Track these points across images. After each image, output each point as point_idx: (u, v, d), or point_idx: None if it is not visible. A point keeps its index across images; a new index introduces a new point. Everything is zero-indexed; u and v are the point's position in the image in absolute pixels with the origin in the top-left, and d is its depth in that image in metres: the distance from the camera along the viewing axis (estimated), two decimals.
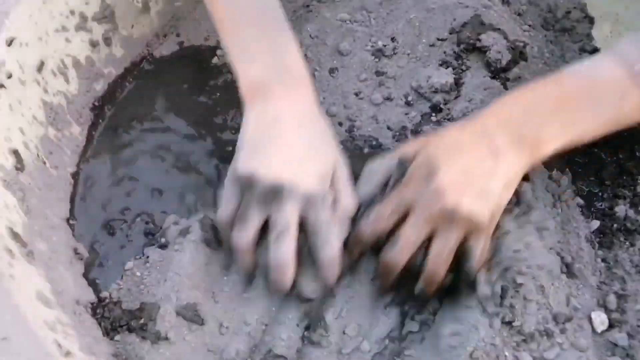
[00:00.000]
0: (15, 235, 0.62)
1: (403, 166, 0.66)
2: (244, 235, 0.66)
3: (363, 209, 0.67)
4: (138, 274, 0.70)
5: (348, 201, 0.67)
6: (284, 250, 0.64)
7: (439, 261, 0.63)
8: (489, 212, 0.63)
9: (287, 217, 0.64)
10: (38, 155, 0.71)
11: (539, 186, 0.72)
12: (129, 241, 0.74)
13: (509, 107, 0.66)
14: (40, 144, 0.72)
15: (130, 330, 0.66)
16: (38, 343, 0.53)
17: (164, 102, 0.86)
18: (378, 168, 0.69)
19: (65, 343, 0.56)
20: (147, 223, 0.76)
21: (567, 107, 0.65)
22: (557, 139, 0.65)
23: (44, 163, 0.72)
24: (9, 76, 0.68)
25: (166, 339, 0.66)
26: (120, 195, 0.78)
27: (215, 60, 0.89)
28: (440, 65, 0.83)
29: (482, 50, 0.82)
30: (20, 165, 0.68)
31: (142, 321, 0.66)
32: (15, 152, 0.68)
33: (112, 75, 0.84)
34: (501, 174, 0.63)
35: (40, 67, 0.73)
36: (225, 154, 0.80)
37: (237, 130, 0.72)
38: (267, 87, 0.69)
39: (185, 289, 0.69)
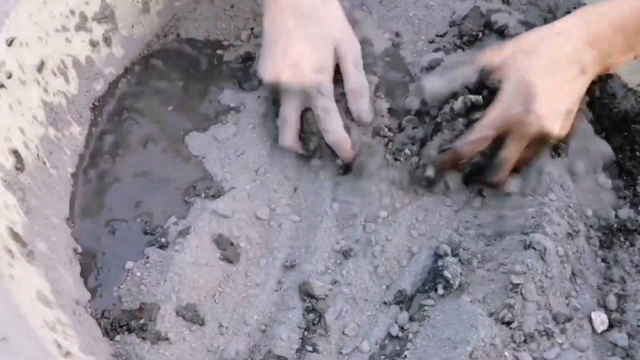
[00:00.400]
0: (15, 235, 0.62)
1: (486, 74, 0.70)
2: (284, 128, 0.76)
3: (436, 105, 0.73)
4: (138, 274, 0.70)
5: (354, 85, 0.74)
6: (285, 139, 0.75)
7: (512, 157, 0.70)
8: (565, 127, 0.69)
9: (286, 111, 0.74)
10: (38, 155, 0.71)
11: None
12: (129, 241, 0.74)
13: (597, 23, 0.68)
14: (40, 144, 0.72)
15: (130, 330, 0.66)
16: (38, 343, 0.53)
17: (164, 102, 0.86)
18: (456, 71, 0.73)
19: (65, 343, 0.56)
20: (147, 223, 0.75)
21: None
22: (626, 57, 0.70)
23: (44, 163, 0.72)
24: (9, 76, 0.68)
25: (166, 339, 0.66)
26: (121, 195, 0.78)
27: (215, 60, 0.89)
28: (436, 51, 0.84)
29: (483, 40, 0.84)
30: (20, 165, 0.68)
31: (142, 321, 0.66)
32: (16, 152, 0.68)
33: (113, 75, 0.84)
34: (583, 88, 0.69)
35: (41, 67, 0.73)
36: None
37: None
38: None
39: (185, 289, 0.69)
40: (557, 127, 0.68)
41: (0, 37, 0.68)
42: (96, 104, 0.82)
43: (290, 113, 0.74)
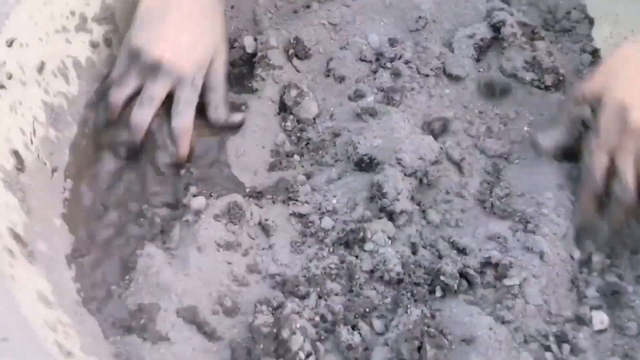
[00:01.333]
0: (16, 236, 0.62)
1: (593, 105, 0.72)
2: (119, 92, 0.75)
3: (554, 152, 0.76)
4: (139, 274, 0.70)
5: (216, 98, 0.79)
6: (143, 113, 0.75)
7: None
8: None
9: (157, 89, 0.75)
10: (38, 156, 0.71)
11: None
12: (129, 241, 0.74)
13: None
14: (40, 145, 0.72)
15: (130, 330, 0.66)
16: (39, 343, 0.53)
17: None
18: (565, 116, 0.75)
19: (66, 343, 0.56)
20: (148, 224, 0.75)
21: None
22: None
23: (45, 164, 0.72)
24: (10, 77, 0.68)
25: (167, 339, 0.66)
26: (122, 196, 0.78)
27: None
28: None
29: None
30: (20, 166, 0.68)
31: (142, 321, 0.66)
32: (16, 153, 0.68)
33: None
34: None
35: (41, 68, 0.73)
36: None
37: None
38: None
39: (186, 289, 0.69)
40: None
41: (1, 38, 0.68)
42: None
43: (160, 93, 0.75)
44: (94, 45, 0.81)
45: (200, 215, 0.73)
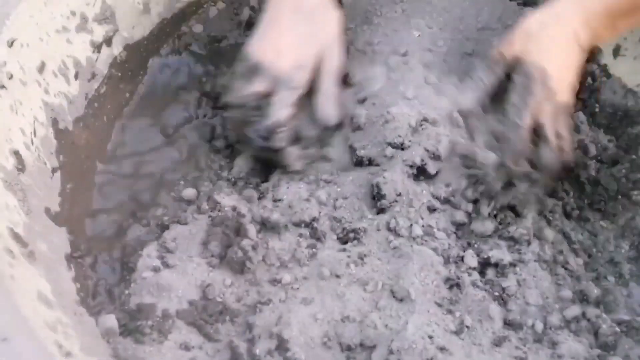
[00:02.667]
0: (16, 236, 0.62)
1: (509, 67, 0.75)
2: (233, 94, 0.78)
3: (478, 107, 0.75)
4: (138, 274, 0.70)
5: (323, 92, 0.78)
6: (233, 112, 0.78)
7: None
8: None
9: (255, 88, 0.77)
10: (39, 156, 0.71)
11: None
12: (129, 242, 0.74)
13: (591, 4, 0.75)
14: (41, 145, 0.72)
15: (130, 331, 0.66)
16: (39, 344, 0.53)
17: (165, 103, 0.87)
18: (479, 79, 0.76)
19: (65, 344, 0.56)
20: (147, 224, 0.76)
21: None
22: (610, 35, 0.79)
23: (45, 164, 0.72)
24: (10, 77, 0.68)
25: (166, 340, 0.66)
26: (122, 196, 0.78)
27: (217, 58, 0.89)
28: None
29: None
30: (21, 166, 0.68)
31: (141, 322, 0.66)
32: (16, 153, 0.68)
33: (114, 76, 0.84)
34: (580, 64, 0.76)
35: (41, 68, 0.73)
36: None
37: None
38: None
39: (186, 289, 0.69)
40: (569, 97, 0.75)
41: (1, 38, 0.68)
42: (97, 105, 0.82)
43: (253, 92, 0.77)
44: (94, 45, 0.81)
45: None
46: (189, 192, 0.77)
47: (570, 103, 0.76)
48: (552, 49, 0.74)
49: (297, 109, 0.77)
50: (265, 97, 0.76)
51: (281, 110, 0.76)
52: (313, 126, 0.78)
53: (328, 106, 0.78)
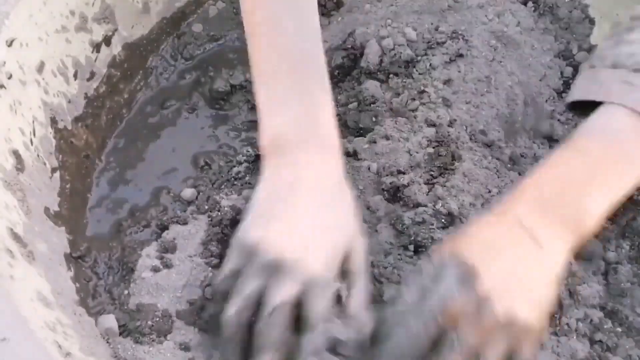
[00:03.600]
0: (15, 236, 0.62)
1: (432, 276, 0.59)
2: (235, 306, 0.58)
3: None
4: (139, 274, 0.70)
5: (359, 297, 0.60)
6: (273, 325, 0.57)
7: None
8: (544, 316, 0.58)
9: (283, 296, 0.57)
10: (38, 155, 0.71)
11: None
12: (128, 242, 0.74)
13: (536, 189, 0.62)
14: (40, 145, 0.72)
15: (129, 331, 0.66)
16: (38, 344, 0.53)
17: (164, 103, 0.87)
18: (411, 289, 0.59)
19: (65, 344, 0.56)
20: (147, 224, 0.75)
21: (600, 173, 0.62)
22: (600, 207, 0.61)
23: (45, 164, 0.72)
24: (9, 77, 0.68)
25: (166, 340, 0.66)
26: (121, 196, 0.78)
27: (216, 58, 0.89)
28: None
29: None
30: (20, 166, 0.68)
31: (141, 322, 0.66)
32: (16, 153, 0.68)
33: (113, 76, 0.84)
34: (549, 266, 0.59)
35: (41, 68, 0.73)
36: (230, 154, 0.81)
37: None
38: (289, 144, 0.63)
39: (186, 289, 0.69)
40: (519, 313, 0.56)
41: (1, 37, 0.68)
42: (96, 104, 0.82)
43: (288, 299, 0.58)
44: (93, 44, 0.81)
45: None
46: (189, 192, 0.77)
47: (521, 314, 0.57)
48: (495, 250, 0.59)
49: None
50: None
51: (327, 323, 0.58)
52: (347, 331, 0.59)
53: (363, 313, 0.60)
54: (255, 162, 0.79)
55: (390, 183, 0.72)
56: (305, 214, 0.61)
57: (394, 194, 0.73)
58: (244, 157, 0.80)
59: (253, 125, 0.82)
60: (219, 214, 0.73)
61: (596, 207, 0.61)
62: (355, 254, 0.62)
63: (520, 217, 0.59)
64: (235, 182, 0.79)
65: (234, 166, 0.80)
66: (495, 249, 0.58)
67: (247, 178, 0.79)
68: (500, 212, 0.62)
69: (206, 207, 0.75)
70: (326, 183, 0.63)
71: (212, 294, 0.66)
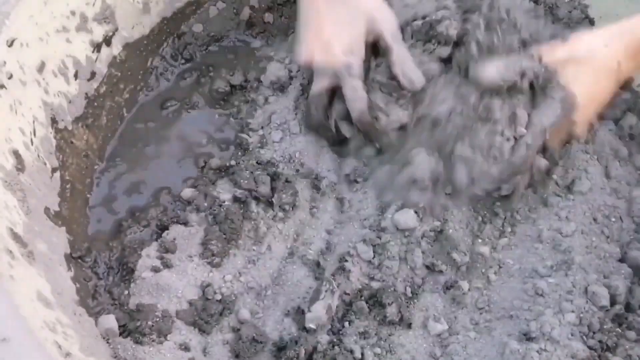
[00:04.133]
0: (15, 236, 0.62)
1: (545, 72, 0.74)
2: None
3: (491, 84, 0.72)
4: (139, 274, 0.70)
5: (396, 57, 0.75)
6: (313, 117, 0.79)
7: None
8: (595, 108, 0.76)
9: (315, 90, 0.78)
10: (38, 155, 0.71)
11: None
12: (129, 242, 0.74)
13: (637, 38, 0.75)
14: (40, 145, 0.72)
15: (129, 331, 0.66)
16: (38, 344, 0.53)
17: (165, 103, 0.87)
18: (515, 62, 0.74)
19: (65, 344, 0.56)
20: (147, 224, 0.75)
21: None
22: None
23: (45, 164, 0.72)
24: (10, 77, 0.68)
25: (166, 340, 0.66)
26: (121, 196, 0.78)
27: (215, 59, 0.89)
28: None
29: None
30: (20, 166, 0.68)
31: (141, 322, 0.66)
32: (16, 153, 0.68)
33: (113, 76, 0.84)
34: (612, 94, 0.77)
35: (41, 68, 0.73)
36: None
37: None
38: None
39: (186, 289, 0.69)
40: (584, 130, 0.76)
41: (1, 37, 0.68)
42: (96, 104, 0.82)
43: (319, 91, 0.78)
44: (94, 45, 0.80)
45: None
46: (189, 192, 0.77)
47: (583, 135, 0.77)
48: (589, 80, 0.74)
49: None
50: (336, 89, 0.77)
51: (356, 102, 0.76)
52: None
53: (410, 69, 0.75)
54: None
55: None
56: (325, 19, 0.77)
57: None
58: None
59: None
60: (221, 209, 0.73)
61: None
62: (380, 24, 0.76)
63: (620, 60, 0.74)
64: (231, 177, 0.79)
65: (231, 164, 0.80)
66: (595, 80, 0.75)
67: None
68: (607, 45, 0.74)
69: (205, 204, 0.75)
70: None
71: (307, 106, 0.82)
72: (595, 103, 0.76)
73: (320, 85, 0.78)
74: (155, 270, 0.70)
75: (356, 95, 0.75)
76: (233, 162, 0.79)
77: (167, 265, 0.70)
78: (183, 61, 0.90)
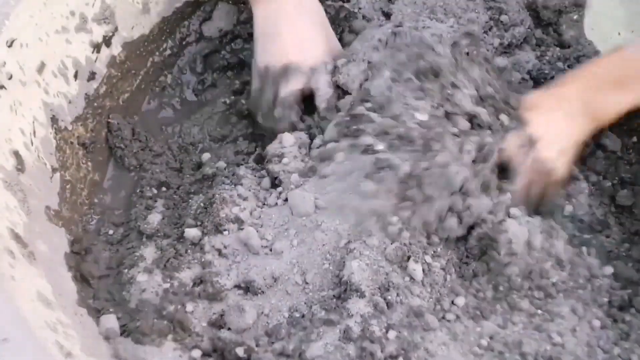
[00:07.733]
0: (16, 236, 0.62)
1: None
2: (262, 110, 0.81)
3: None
4: (138, 275, 0.70)
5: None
6: (284, 113, 0.79)
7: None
8: (567, 168, 0.74)
9: (292, 87, 0.79)
10: (38, 156, 0.71)
11: None
12: (128, 243, 0.74)
13: (585, 79, 0.75)
14: (41, 145, 0.72)
15: (130, 330, 0.66)
16: (39, 344, 0.53)
17: (164, 102, 0.87)
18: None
19: (66, 344, 0.56)
20: (146, 224, 0.76)
21: (630, 80, 0.73)
22: (619, 108, 0.74)
23: (45, 164, 0.72)
24: (10, 77, 0.68)
25: (166, 339, 0.66)
26: (121, 196, 0.78)
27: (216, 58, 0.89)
28: None
29: None
30: (21, 166, 0.68)
31: (142, 322, 0.66)
32: (16, 153, 0.68)
33: (113, 76, 0.84)
34: (575, 135, 0.74)
35: (41, 68, 0.73)
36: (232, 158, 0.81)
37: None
38: None
39: (184, 290, 0.69)
40: (564, 173, 0.75)
41: (1, 38, 0.68)
42: (96, 104, 0.82)
43: (292, 92, 0.79)
44: (93, 45, 0.80)
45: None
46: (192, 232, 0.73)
47: (563, 178, 0.75)
48: (543, 110, 0.74)
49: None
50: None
51: (328, 94, 0.79)
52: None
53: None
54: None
55: None
56: (298, 25, 0.79)
57: None
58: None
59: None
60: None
61: (616, 108, 0.74)
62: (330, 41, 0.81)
63: (566, 96, 0.74)
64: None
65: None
66: (543, 109, 0.74)
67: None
68: (555, 87, 0.75)
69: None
70: (305, 4, 0.81)
71: (246, 110, 0.84)
72: (568, 148, 0.74)
73: (293, 85, 0.79)
74: (155, 270, 0.70)
75: (330, 90, 0.79)
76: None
77: (167, 265, 0.70)
78: (183, 61, 0.90)
